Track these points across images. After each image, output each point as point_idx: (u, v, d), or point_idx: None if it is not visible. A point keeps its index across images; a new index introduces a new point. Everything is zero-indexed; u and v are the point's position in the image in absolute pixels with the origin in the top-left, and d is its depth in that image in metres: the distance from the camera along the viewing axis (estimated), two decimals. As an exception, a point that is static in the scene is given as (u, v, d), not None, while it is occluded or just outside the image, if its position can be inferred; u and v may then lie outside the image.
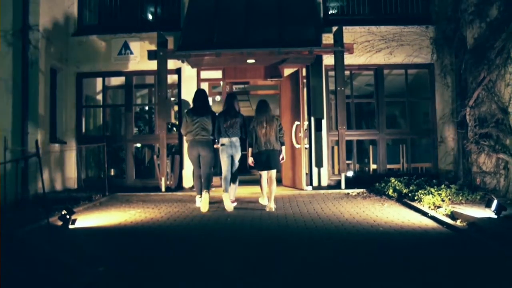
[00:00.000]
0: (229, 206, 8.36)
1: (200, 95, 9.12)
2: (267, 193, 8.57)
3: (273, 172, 8.48)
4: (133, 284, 4.31)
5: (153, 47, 11.30)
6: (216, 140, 8.75)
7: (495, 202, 6.75)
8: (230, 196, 8.68)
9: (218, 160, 9.06)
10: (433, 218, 7.08)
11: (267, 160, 8.40)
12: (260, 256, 5.22)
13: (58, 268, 4.60)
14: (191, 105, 9.21)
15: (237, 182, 9.00)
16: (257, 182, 9.05)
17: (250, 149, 8.57)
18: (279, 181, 12.13)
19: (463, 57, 10.55)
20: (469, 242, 5.78)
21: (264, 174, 8.54)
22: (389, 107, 12.79)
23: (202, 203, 8.31)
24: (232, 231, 6.62)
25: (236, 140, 8.59)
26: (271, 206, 8.32)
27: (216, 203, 8.96)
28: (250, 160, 8.63)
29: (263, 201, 8.73)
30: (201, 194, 8.61)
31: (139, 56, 11.98)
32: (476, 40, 10.22)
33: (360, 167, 13.85)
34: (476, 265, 4.79)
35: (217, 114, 8.89)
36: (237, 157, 8.73)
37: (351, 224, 6.76)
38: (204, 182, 8.62)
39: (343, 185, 10.78)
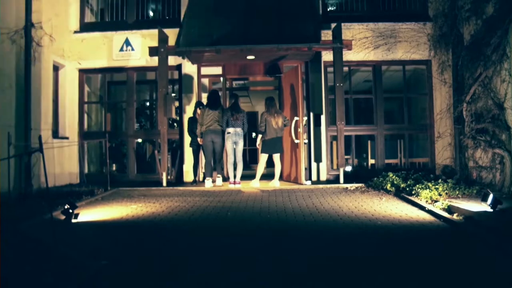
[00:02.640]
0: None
1: (213, 94, 10.96)
2: (261, 172, 10.92)
3: (278, 155, 10.79)
4: (135, 277, 4.37)
5: (154, 44, 11.38)
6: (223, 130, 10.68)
7: (491, 196, 6.80)
8: (236, 177, 10.74)
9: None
10: (430, 212, 7.16)
11: (275, 145, 10.66)
12: (260, 250, 5.31)
13: (61, 262, 4.66)
14: (206, 102, 11.02)
15: (241, 166, 10.83)
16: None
17: (260, 136, 10.75)
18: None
19: (460, 53, 10.63)
20: (465, 236, 5.86)
21: (266, 157, 10.79)
22: (387, 103, 12.87)
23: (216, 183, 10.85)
24: (232, 225, 6.68)
25: (240, 130, 10.60)
26: (275, 184, 10.75)
27: (217, 197, 9.09)
28: (258, 143, 10.88)
29: (255, 183, 10.76)
30: (211, 177, 10.79)
31: (140, 53, 12.09)
32: (472, 36, 10.31)
33: (359, 162, 13.96)
34: (471, 259, 4.89)
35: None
36: (240, 144, 10.67)
37: (349, 218, 6.83)
38: (218, 167, 10.98)
39: (341, 179, 10.88)
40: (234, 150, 10.74)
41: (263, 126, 10.59)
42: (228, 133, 10.59)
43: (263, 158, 10.84)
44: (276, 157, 10.82)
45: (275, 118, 10.58)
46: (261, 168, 10.92)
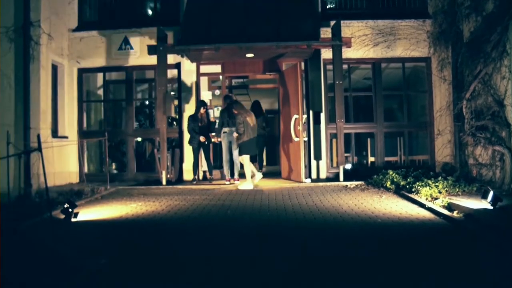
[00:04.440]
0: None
1: (256, 104, 11.79)
2: (250, 171, 10.42)
3: (248, 156, 10.41)
4: (134, 277, 4.37)
5: (153, 42, 11.37)
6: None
7: (491, 194, 6.80)
8: (235, 175, 10.95)
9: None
10: (430, 209, 7.15)
11: (254, 145, 10.43)
12: (260, 249, 5.30)
13: (60, 261, 4.66)
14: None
15: (238, 164, 10.95)
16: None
17: (236, 135, 10.50)
18: (278, 174, 12.26)
19: (460, 50, 10.62)
20: (466, 233, 5.85)
21: (248, 157, 10.33)
22: (386, 100, 12.86)
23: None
24: (232, 223, 6.69)
25: (235, 129, 10.58)
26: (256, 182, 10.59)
27: (216, 195, 9.08)
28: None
29: (248, 185, 10.21)
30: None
31: (139, 51, 12.08)
32: (472, 33, 10.30)
33: (358, 159, 13.96)
34: (472, 256, 4.88)
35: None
36: (235, 143, 10.76)
37: (349, 215, 6.83)
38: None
39: (341, 177, 10.86)
40: (230, 149, 10.91)
41: (242, 128, 10.24)
42: (224, 132, 10.83)
43: (246, 159, 10.34)
44: (247, 157, 10.39)
45: (250, 118, 10.33)
46: (249, 168, 10.39)
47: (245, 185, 10.26)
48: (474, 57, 10.05)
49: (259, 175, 10.73)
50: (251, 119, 10.31)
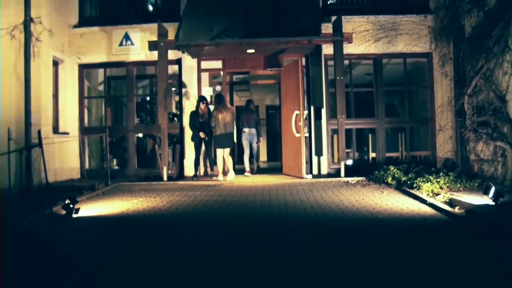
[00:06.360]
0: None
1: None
2: (222, 167, 11.15)
3: (227, 150, 11.01)
4: (135, 273, 4.36)
5: (154, 38, 11.35)
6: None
7: (492, 189, 6.77)
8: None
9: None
10: (431, 205, 7.13)
11: (223, 140, 10.90)
12: (261, 246, 5.29)
13: (61, 257, 4.64)
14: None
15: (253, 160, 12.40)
16: (258, 171, 11.13)
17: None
18: (279, 170, 12.26)
19: (461, 45, 10.58)
20: (467, 229, 5.83)
21: (221, 152, 10.98)
22: (388, 96, 12.84)
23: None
24: (233, 220, 6.67)
25: (254, 130, 11.92)
26: (231, 177, 11.09)
27: (217, 191, 9.08)
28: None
29: (220, 177, 11.01)
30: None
31: (140, 47, 12.08)
32: (474, 29, 10.25)
33: (360, 155, 13.93)
34: (473, 252, 4.84)
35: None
36: (254, 142, 12.07)
37: (350, 211, 6.82)
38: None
39: (342, 173, 10.86)
40: (250, 146, 12.07)
41: (213, 122, 10.91)
42: (244, 132, 12.02)
43: (218, 152, 11.09)
44: (226, 151, 11.08)
45: (223, 114, 10.87)
46: (220, 162, 11.12)
47: (230, 176, 11.18)
48: (475, 52, 10.01)
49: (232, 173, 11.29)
50: (222, 116, 10.85)
